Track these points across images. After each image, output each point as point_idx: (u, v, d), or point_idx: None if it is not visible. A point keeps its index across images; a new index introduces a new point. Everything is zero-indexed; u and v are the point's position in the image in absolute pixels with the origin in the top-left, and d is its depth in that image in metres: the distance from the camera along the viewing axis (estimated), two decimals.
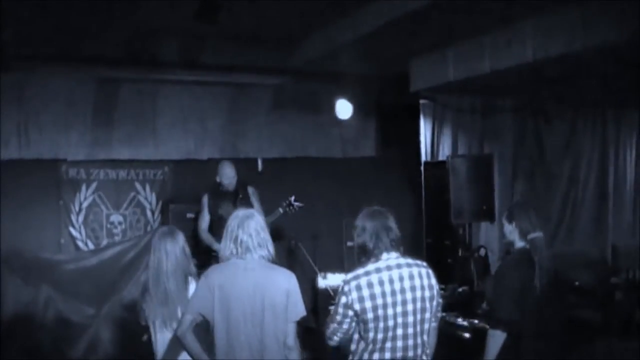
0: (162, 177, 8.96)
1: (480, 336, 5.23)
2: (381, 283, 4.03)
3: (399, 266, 4.11)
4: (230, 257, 4.35)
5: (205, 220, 7.63)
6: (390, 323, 4.00)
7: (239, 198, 7.29)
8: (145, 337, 5.07)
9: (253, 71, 8.88)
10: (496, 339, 4.56)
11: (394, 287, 4.03)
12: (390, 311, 4.01)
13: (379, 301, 4.00)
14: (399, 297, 4.02)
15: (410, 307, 4.04)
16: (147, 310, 4.90)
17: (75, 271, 8.02)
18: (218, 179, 7.55)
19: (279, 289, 4.28)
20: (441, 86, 8.34)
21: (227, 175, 7.48)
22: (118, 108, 8.66)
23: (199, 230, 7.64)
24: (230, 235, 4.37)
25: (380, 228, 4.13)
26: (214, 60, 8.55)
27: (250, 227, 4.33)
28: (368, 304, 4.00)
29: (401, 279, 4.06)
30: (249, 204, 7.34)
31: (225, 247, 4.39)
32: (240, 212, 4.46)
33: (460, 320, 6.85)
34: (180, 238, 4.98)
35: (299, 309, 4.33)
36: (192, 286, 4.80)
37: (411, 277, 4.09)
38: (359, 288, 4.03)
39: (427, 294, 4.11)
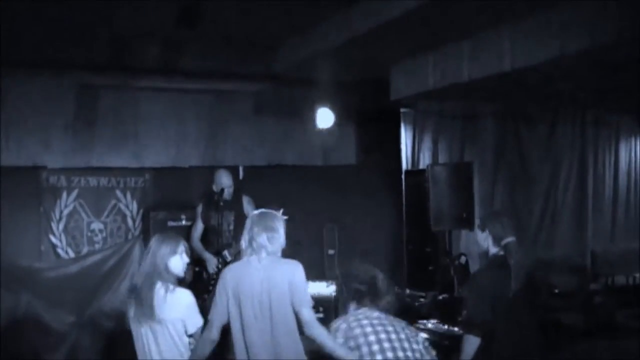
0: (143, 184, 8.90)
1: (459, 343, 5.25)
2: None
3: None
4: (246, 254, 4.56)
5: (198, 229, 7.65)
6: None
7: (219, 205, 7.27)
8: None
9: (233, 78, 8.89)
10: (471, 342, 4.61)
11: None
12: None
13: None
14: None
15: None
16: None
17: (55, 279, 8.01)
18: (214, 188, 7.48)
19: (283, 281, 4.44)
20: (421, 94, 8.36)
21: (224, 184, 7.41)
22: (98, 115, 8.59)
23: (191, 239, 7.58)
24: (245, 233, 4.60)
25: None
26: (194, 66, 8.55)
27: (261, 225, 4.54)
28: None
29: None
30: (233, 211, 7.45)
31: (242, 244, 4.62)
32: (257, 211, 4.73)
33: (440, 327, 6.87)
34: (181, 246, 4.83)
35: (303, 298, 4.45)
36: (177, 293, 4.73)
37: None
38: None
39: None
